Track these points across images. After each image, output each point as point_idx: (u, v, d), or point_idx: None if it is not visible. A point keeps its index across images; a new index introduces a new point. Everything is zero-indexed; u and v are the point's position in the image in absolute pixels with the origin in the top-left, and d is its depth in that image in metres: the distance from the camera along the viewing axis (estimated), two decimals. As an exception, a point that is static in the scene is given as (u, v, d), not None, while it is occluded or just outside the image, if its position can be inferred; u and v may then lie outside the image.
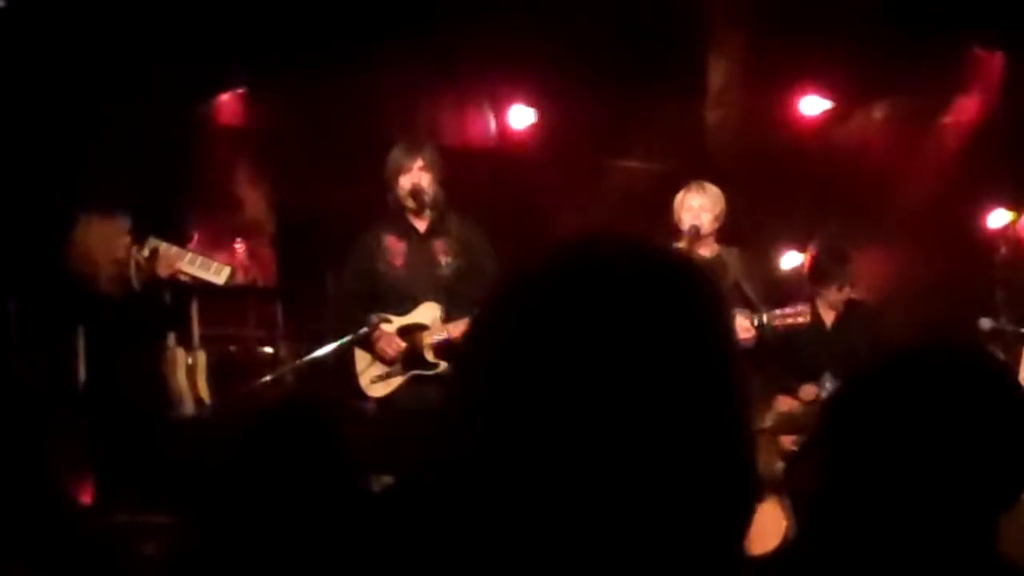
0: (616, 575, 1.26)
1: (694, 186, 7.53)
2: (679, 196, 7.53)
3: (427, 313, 7.39)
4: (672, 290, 1.34)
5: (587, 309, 1.29)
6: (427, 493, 1.35)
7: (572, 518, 1.26)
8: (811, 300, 8.18)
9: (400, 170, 7.40)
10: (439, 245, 7.48)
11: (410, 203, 7.40)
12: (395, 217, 7.49)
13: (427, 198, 7.39)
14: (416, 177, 7.37)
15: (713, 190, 7.51)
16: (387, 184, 7.47)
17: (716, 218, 7.46)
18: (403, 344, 7.35)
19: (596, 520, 1.26)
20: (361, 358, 7.46)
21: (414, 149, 7.45)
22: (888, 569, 2.11)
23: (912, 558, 2.10)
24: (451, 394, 1.38)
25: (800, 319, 7.11)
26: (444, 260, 7.45)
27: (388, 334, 7.34)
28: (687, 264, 1.39)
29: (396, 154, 7.46)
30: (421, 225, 7.49)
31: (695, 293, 1.35)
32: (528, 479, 1.27)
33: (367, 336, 7.32)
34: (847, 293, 8.28)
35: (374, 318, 7.32)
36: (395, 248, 7.47)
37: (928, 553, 2.09)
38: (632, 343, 1.28)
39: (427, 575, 1.35)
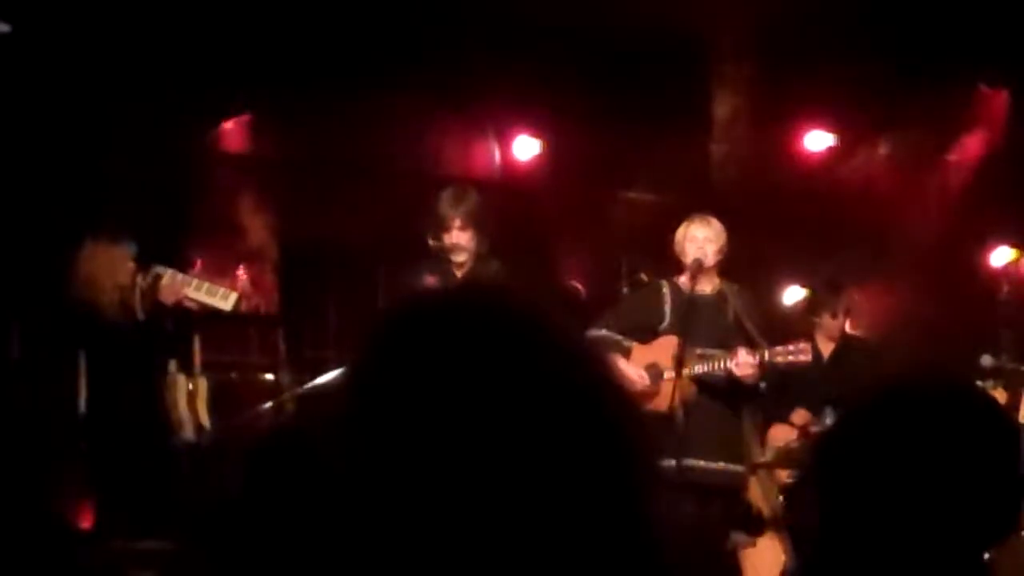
0: None
1: (697, 219, 7.54)
2: (682, 228, 7.53)
3: None
4: (524, 330, 1.39)
5: (452, 350, 1.35)
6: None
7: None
8: (810, 333, 8.19)
9: (442, 225, 7.47)
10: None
11: (455, 257, 7.48)
12: (437, 258, 7.56)
13: (465, 256, 7.46)
14: (456, 237, 7.45)
15: (716, 223, 7.52)
16: (432, 229, 7.53)
17: (719, 251, 7.46)
18: None
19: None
20: None
21: (455, 204, 7.50)
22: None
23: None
24: (338, 420, 1.43)
25: (802, 357, 7.12)
26: None
27: None
28: (538, 308, 1.43)
29: (442, 205, 7.51)
30: (460, 271, 7.55)
31: (545, 332, 1.40)
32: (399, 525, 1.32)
33: None
34: (842, 323, 8.30)
35: None
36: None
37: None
38: (492, 377, 1.34)
39: None
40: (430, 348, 1.36)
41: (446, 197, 7.57)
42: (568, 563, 1.31)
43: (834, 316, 8.25)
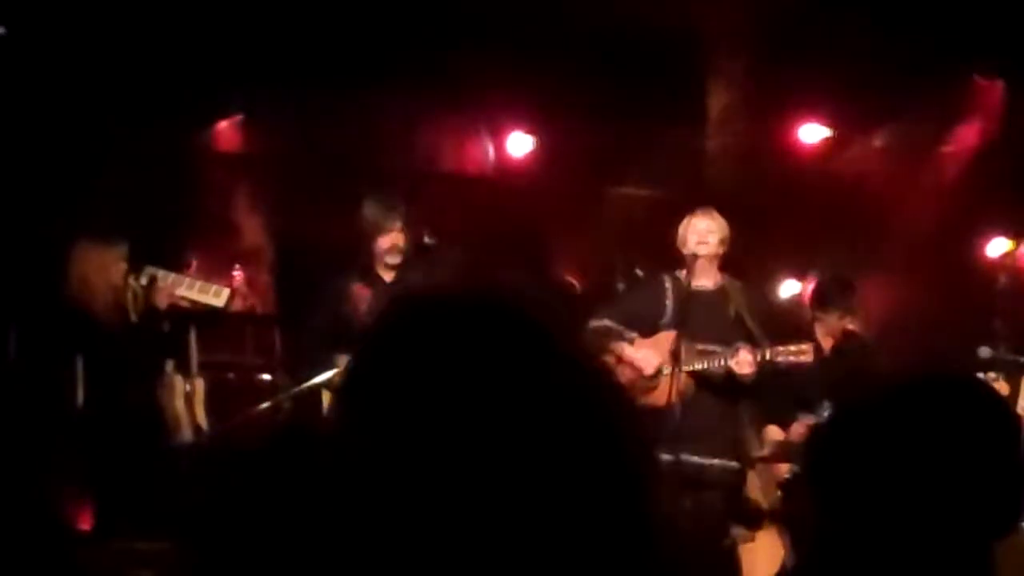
0: None
1: (700, 211, 7.54)
2: (685, 221, 7.54)
3: None
4: (527, 332, 1.39)
5: (450, 353, 1.35)
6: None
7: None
8: (810, 327, 8.19)
9: (380, 230, 7.71)
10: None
11: (390, 259, 7.73)
12: (364, 266, 7.82)
13: (402, 256, 7.72)
14: (396, 239, 7.69)
15: (719, 217, 7.52)
16: (363, 236, 7.78)
17: (721, 242, 7.46)
18: None
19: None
20: (328, 397, 7.66)
21: (392, 212, 7.74)
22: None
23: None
24: (335, 428, 1.43)
25: (804, 358, 7.12)
26: None
27: None
28: (542, 309, 1.43)
29: (374, 213, 7.76)
30: (387, 275, 7.78)
31: (548, 336, 1.40)
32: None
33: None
34: (847, 323, 8.29)
35: (342, 362, 7.48)
36: (361, 295, 7.76)
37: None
38: (490, 381, 1.34)
39: None
40: (427, 348, 1.36)
41: (378, 204, 7.77)
42: (568, 562, 1.30)
43: (841, 317, 8.24)
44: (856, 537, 2.12)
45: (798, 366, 7.19)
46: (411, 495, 1.30)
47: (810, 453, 2.27)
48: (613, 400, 1.40)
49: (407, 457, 1.31)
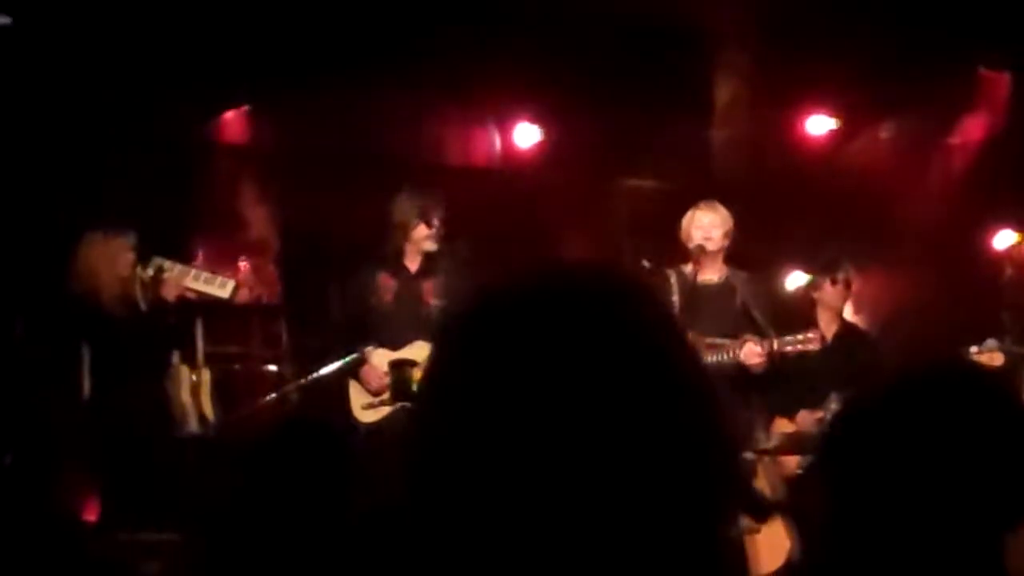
0: None
1: (704, 204, 7.54)
2: (688, 215, 7.54)
3: (419, 351, 7.58)
4: (619, 314, 1.36)
5: (537, 337, 1.32)
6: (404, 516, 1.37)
7: (534, 542, 1.28)
8: (813, 317, 8.18)
9: (414, 225, 7.75)
10: (428, 286, 7.82)
11: (427, 247, 7.76)
12: (389, 256, 7.86)
13: (436, 246, 7.77)
14: (432, 230, 7.73)
15: (723, 209, 7.52)
16: (395, 228, 7.80)
17: (725, 235, 7.46)
18: (387, 377, 7.65)
19: (562, 540, 1.27)
20: (355, 386, 7.76)
21: (431, 209, 7.77)
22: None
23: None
24: (415, 421, 1.41)
25: (811, 345, 7.12)
26: (432, 301, 7.76)
27: (373, 367, 7.67)
28: (634, 285, 1.42)
29: (410, 208, 7.80)
30: (412, 266, 7.83)
31: (642, 315, 1.38)
32: (483, 507, 1.29)
33: (354, 365, 7.65)
34: (843, 293, 8.25)
35: (365, 349, 7.65)
36: (386, 285, 7.83)
37: (935, 574, 2.08)
38: (579, 368, 1.30)
39: None
40: (515, 332, 1.34)
41: (415, 199, 7.80)
42: (644, 548, 1.29)
43: (834, 283, 8.20)
44: (868, 530, 2.12)
45: (805, 353, 7.19)
46: (499, 485, 1.29)
47: (823, 446, 2.26)
48: (704, 388, 1.38)
49: (492, 447, 1.29)
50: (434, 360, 1.41)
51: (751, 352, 7.10)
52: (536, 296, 1.37)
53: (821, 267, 8.32)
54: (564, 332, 1.32)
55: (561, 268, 1.43)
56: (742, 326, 7.29)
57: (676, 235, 7.63)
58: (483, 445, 1.30)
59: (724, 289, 7.47)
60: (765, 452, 7.63)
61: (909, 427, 2.10)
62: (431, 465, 1.34)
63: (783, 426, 7.89)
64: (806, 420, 7.81)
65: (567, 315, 1.34)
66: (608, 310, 1.36)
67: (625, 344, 1.33)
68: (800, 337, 7.14)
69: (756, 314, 7.31)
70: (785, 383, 7.63)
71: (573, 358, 1.31)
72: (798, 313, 8.40)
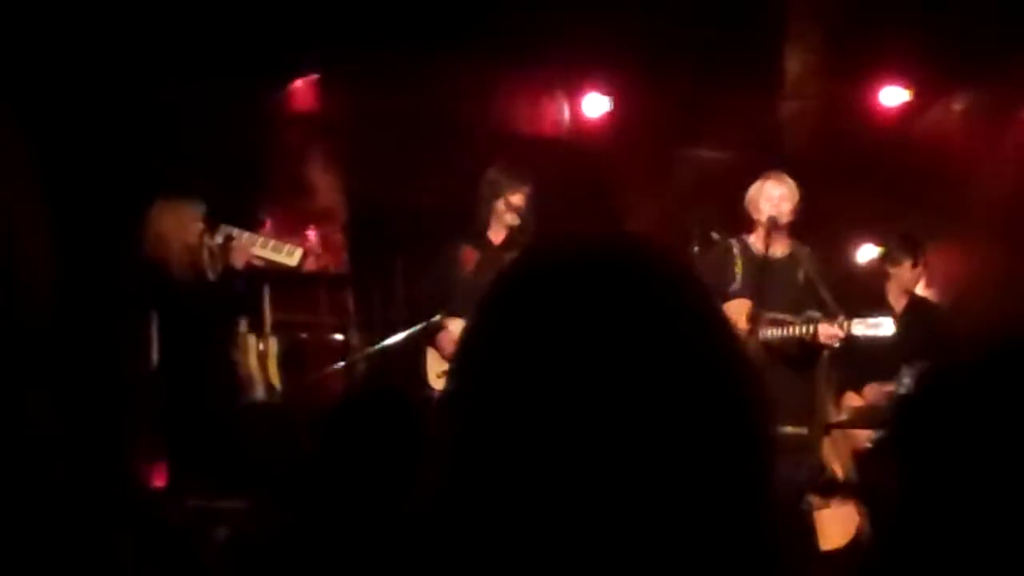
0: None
1: (773, 176, 7.46)
2: (756, 185, 7.46)
3: None
4: (655, 289, 1.35)
5: (577, 311, 1.31)
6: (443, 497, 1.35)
7: (567, 523, 1.26)
8: (883, 290, 8.12)
9: (506, 189, 7.82)
10: (511, 258, 7.66)
11: (509, 219, 7.83)
12: (476, 230, 7.91)
13: (521, 219, 7.81)
14: (520, 200, 7.81)
15: (791, 182, 7.44)
16: (481, 201, 7.88)
17: (793, 209, 7.39)
18: None
19: (595, 524, 1.26)
20: (432, 353, 7.78)
21: (522, 182, 7.85)
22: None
23: (994, 563, 2.04)
24: (449, 393, 1.40)
25: (882, 332, 7.03)
26: None
27: (449, 333, 7.67)
28: (679, 264, 1.41)
29: (503, 181, 7.87)
30: (497, 239, 7.88)
31: (679, 291, 1.37)
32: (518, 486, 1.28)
33: (429, 331, 7.69)
34: (920, 274, 8.19)
35: (439, 317, 7.67)
36: (469, 257, 7.88)
37: (1010, 557, 2.04)
38: (619, 346, 1.29)
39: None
40: (553, 302, 1.32)
41: (509, 173, 7.87)
42: (686, 526, 1.27)
43: (915, 265, 8.14)
44: (941, 508, 2.08)
45: (877, 340, 7.12)
46: (536, 456, 1.27)
47: (896, 420, 2.22)
48: (740, 362, 1.36)
49: (532, 417, 1.27)
50: (470, 331, 1.40)
51: (827, 334, 7.01)
52: (571, 269, 1.36)
53: (900, 245, 8.23)
54: (600, 306, 1.31)
55: (596, 240, 1.42)
56: (806, 301, 7.22)
57: (742, 205, 7.56)
58: (516, 417, 1.29)
59: (789, 263, 7.40)
60: (834, 426, 7.58)
61: (987, 402, 2.05)
62: (467, 439, 1.32)
63: (853, 400, 7.84)
64: (875, 393, 7.76)
65: (602, 288, 1.33)
66: (644, 284, 1.35)
67: (661, 320, 1.32)
68: (871, 322, 7.05)
69: (820, 289, 7.24)
70: (855, 358, 7.57)
71: (608, 332, 1.30)
72: (866, 287, 8.33)
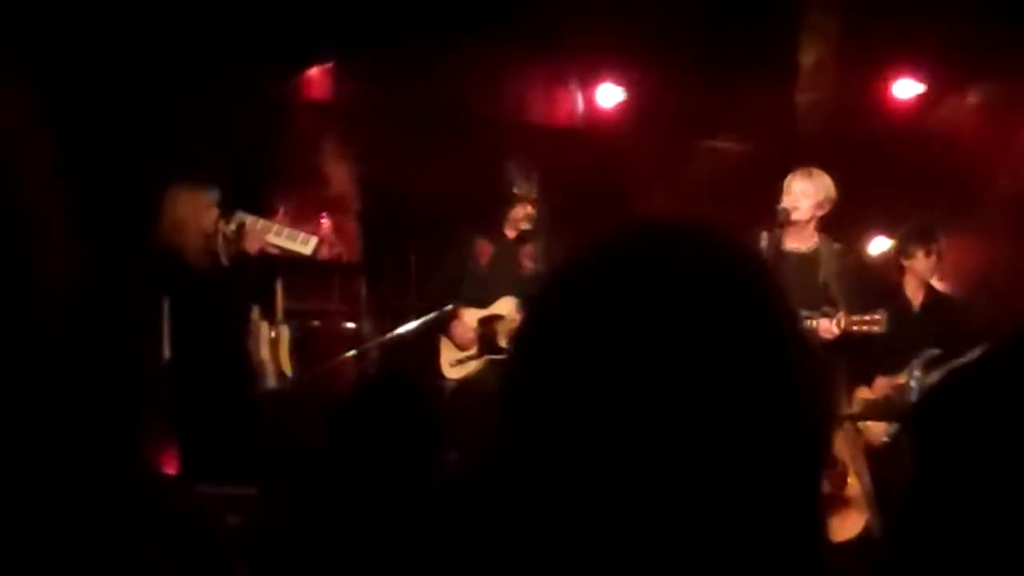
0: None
1: (800, 171, 7.42)
2: (787, 178, 7.44)
3: (505, 305, 7.84)
4: (729, 281, 1.33)
5: (641, 299, 1.29)
6: (488, 476, 1.35)
7: (620, 506, 1.25)
8: (899, 282, 8.10)
9: (516, 200, 7.93)
10: (527, 250, 8.03)
11: (523, 226, 7.95)
12: (489, 220, 8.04)
13: (532, 224, 7.96)
14: (528, 209, 7.92)
15: (821, 178, 7.39)
16: (500, 197, 8.00)
17: (818, 205, 7.35)
18: (474, 332, 7.87)
19: (644, 508, 1.25)
20: (445, 342, 7.91)
21: (529, 182, 7.95)
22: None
23: (1010, 561, 2.03)
24: (506, 375, 1.37)
25: (875, 328, 7.04)
26: (528, 264, 7.99)
27: (462, 322, 7.85)
28: (746, 253, 1.39)
29: (512, 184, 7.96)
30: (511, 232, 8.00)
31: (754, 284, 1.34)
32: (572, 469, 1.26)
33: (442, 320, 7.79)
34: (935, 264, 8.16)
35: (451, 306, 7.79)
36: (483, 249, 8.00)
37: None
38: (684, 334, 1.27)
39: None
40: (620, 291, 1.30)
41: (518, 171, 7.96)
42: (739, 522, 1.26)
43: (928, 254, 8.11)
44: (958, 505, 2.06)
45: (871, 335, 7.12)
46: (594, 447, 1.26)
47: (913, 415, 2.21)
48: (803, 353, 1.35)
49: (599, 393, 1.26)
50: (533, 316, 1.38)
51: (825, 328, 7.04)
52: (640, 253, 1.34)
53: (915, 236, 8.21)
54: (669, 293, 1.29)
55: (669, 226, 1.40)
56: (821, 300, 7.23)
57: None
58: (580, 406, 1.27)
59: (808, 260, 7.37)
60: (846, 418, 7.57)
61: (1010, 398, 2.04)
62: (527, 423, 1.31)
63: (863, 393, 7.83)
64: (884, 386, 7.75)
65: (673, 274, 1.31)
66: (714, 272, 1.33)
67: (730, 309, 1.30)
68: (867, 318, 7.06)
69: (835, 290, 7.26)
70: (871, 351, 7.56)
71: (676, 321, 1.28)
72: (882, 280, 8.31)
